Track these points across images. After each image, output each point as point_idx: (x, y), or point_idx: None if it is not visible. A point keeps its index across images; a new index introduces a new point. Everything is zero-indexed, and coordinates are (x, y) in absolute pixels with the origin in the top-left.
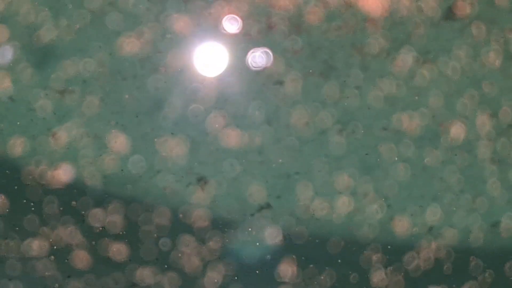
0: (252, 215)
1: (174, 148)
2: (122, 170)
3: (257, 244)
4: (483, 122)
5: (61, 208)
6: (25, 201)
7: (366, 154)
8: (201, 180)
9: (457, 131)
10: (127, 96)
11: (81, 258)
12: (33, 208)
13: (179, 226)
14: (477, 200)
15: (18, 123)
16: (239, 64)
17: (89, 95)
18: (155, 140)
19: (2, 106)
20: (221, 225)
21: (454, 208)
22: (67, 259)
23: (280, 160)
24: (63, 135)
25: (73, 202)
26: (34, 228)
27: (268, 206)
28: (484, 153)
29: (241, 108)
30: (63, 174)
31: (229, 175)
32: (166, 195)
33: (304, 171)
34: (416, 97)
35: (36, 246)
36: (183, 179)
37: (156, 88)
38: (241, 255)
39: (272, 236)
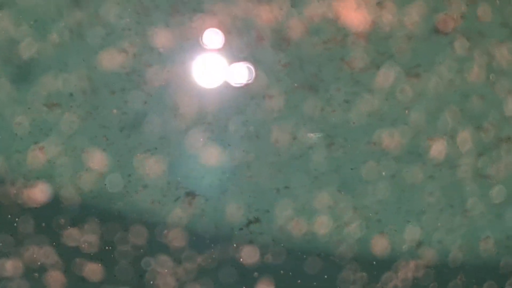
0: (240, 229)
1: (161, 163)
2: (105, 184)
3: (245, 259)
4: (471, 137)
5: (44, 224)
6: (9, 216)
7: (352, 169)
8: (190, 195)
9: (445, 146)
10: (115, 111)
11: (74, 276)
12: (15, 224)
13: (167, 240)
14: (464, 215)
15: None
16: (227, 78)
17: (75, 109)
18: (142, 154)
19: None
20: (209, 239)
21: (442, 224)
22: (51, 277)
23: (269, 174)
24: (48, 149)
25: (61, 220)
26: (15, 246)
27: (257, 220)
28: (472, 168)
29: (230, 122)
30: (47, 189)
31: (217, 189)
32: (154, 210)
33: (293, 185)
34: (406, 111)
35: (14, 265)
36: (171, 193)
37: (143, 103)
38: (228, 270)
39: (260, 251)
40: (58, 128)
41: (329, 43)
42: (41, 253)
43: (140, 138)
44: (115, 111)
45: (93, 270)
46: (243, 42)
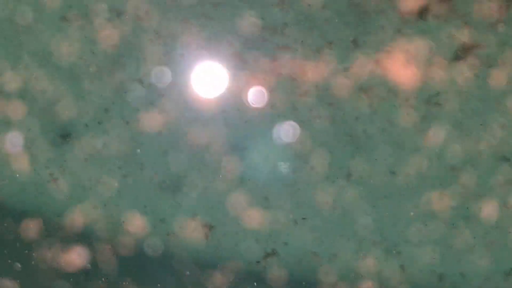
0: (258, 262)
1: (179, 194)
2: (123, 222)
3: None
4: None
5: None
6: (26, 252)
7: (377, 200)
8: (207, 226)
9: (494, 208)
10: (138, 151)
11: None
12: (26, 252)
13: (183, 273)
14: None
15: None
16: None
17: (115, 170)
18: (160, 186)
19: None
20: (226, 272)
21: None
22: None
23: (287, 206)
24: (88, 212)
25: (87, 265)
26: None
27: (274, 252)
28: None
29: (248, 152)
30: (84, 253)
31: (235, 221)
32: (170, 242)
33: (311, 216)
34: (452, 171)
35: None
36: (188, 225)
37: (183, 163)
38: None
39: (277, 284)
40: (98, 190)
41: (376, 100)
42: None
43: (158, 169)
44: (138, 150)
45: None
46: (288, 100)
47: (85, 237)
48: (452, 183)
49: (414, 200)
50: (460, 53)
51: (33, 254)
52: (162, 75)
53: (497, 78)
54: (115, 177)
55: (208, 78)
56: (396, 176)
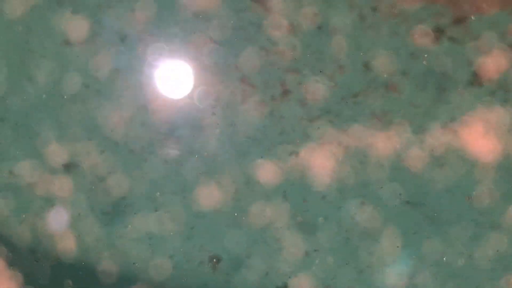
0: None
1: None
2: (134, 263)
3: None
4: None
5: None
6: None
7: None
8: (214, 259)
9: None
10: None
11: None
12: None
13: None
14: None
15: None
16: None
17: (168, 252)
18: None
19: None
20: None
21: None
22: None
23: (298, 236)
24: None
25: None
26: None
27: (285, 286)
28: None
29: (256, 182)
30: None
31: (243, 253)
32: (176, 275)
33: (323, 248)
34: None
35: None
36: (194, 257)
37: (241, 243)
38: None
39: None
40: (149, 274)
41: (452, 173)
42: None
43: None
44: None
45: None
46: (356, 175)
47: None
48: None
49: (492, 281)
50: None
51: None
52: (219, 147)
53: None
54: (168, 257)
55: (269, 153)
56: (473, 256)
